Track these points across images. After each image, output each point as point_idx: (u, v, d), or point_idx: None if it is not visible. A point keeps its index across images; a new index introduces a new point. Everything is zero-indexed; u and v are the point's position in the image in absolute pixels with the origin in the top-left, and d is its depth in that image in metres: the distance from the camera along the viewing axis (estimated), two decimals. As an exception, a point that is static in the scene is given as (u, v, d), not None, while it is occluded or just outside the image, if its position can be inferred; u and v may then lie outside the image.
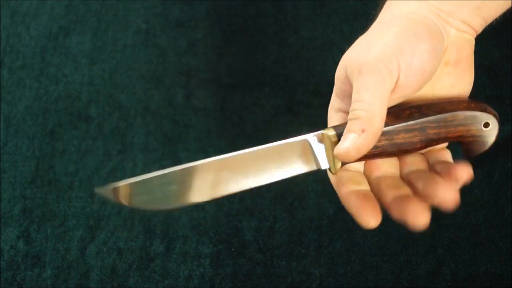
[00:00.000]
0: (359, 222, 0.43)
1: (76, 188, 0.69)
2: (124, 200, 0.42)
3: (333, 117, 0.46)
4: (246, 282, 0.62)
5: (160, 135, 0.73)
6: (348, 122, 0.40)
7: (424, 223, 0.42)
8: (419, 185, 0.42)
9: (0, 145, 0.72)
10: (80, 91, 0.77)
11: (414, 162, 0.45)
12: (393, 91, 0.41)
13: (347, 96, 0.43)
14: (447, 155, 0.45)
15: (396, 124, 0.42)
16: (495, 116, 0.44)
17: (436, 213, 0.67)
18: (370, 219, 0.43)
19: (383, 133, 0.42)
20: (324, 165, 0.44)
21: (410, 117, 0.43)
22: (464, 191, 0.69)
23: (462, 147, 0.45)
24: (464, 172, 0.43)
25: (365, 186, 0.44)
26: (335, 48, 0.78)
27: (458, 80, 0.45)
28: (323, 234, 0.65)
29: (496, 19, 0.45)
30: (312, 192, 0.67)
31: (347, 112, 0.42)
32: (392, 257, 0.63)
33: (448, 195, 0.40)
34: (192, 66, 0.78)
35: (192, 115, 0.74)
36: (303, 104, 0.73)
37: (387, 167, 0.44)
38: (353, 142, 0.40)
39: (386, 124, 0.42)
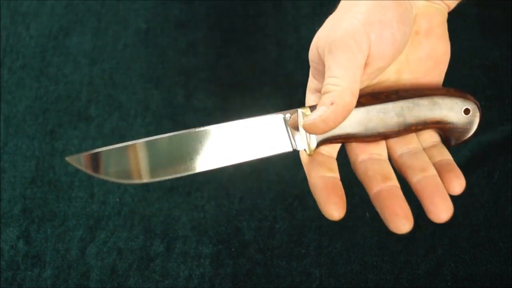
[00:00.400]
0: (323, 212, 0.42)
1: (76, 188, 0.69)
2: (92, 169, 0.41)
3: (310, 98, 0.46)
4: (246, 282, 0.62)
5: (159, 135, 0.72)
6: (322, 97, 0.40)
7: (405, 230, 0.39)
8: (413, 180, 0.42)
9: (0, 145, 0.72)
10: (80, 91, 0.77)
11: (405, 141, 0.44)
12: (366, 64, 0.41)
13: (322, 75, 0.42)
14: (444, 152, 0.44)
15: (372, 105, 0.42)
16: (475, 103, 0.43)
17: (436, 213, 0.67)
18: (334, 211, 0.41)
19: (358, 110, 0.42)
20: (300, 145, 0.43)
21: (387, 99, 0.43)
22: (464, 191, 0.69)
23: (443, 137, 0.45)
24: (457, 185, 0.41)
25: (336, 174, 0.43)
26: (335, 48, 0.78)
27: (432, 49, 0.44)
28: (323, 234, 0.65)
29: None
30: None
31: (320, 90, 0.42)
32: (392, 257, 0.63)
33: (441, 211, 0.39)
34: (192, 66, 0.78)
35: (192, 115, 0.74)
36: (303, 104, 0.73)
37: (373, 147, 0.44)
38: (320, 114, 0.39)
39: (362, 104, 0.42)
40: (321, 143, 0.43)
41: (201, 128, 0.42)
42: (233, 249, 0.64)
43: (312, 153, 0.43)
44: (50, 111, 0.75)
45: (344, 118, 0.40)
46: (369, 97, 0.43)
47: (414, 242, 0.64)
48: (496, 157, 0.69)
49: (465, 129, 0.44)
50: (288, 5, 0.83)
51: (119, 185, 0.69)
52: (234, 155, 0.42)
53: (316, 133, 0.41)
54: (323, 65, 0.42)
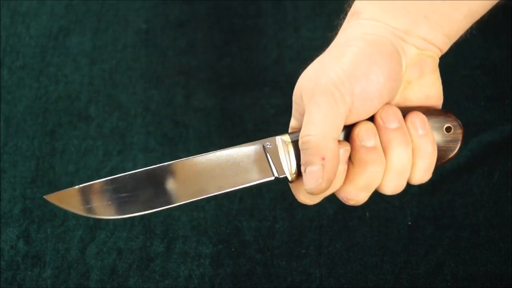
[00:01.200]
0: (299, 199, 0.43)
1: (76, 188, 0.69)
2: (71, 206, 0.40)
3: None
4: (246, 282, 0.62)
5: (160, 135, 0.73)
6: (302, 152, 0.39)
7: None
8: None
9: (0, 145, 0.72)
10: (80, 91, 0.77)
11: None
12: (349, 115, 0.39)
13: (303, 113, 0.41)
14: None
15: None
16: (456, 121, 0.42)
17: (436, 213, 0.67)
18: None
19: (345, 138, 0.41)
20: (280, 173, 0.42)
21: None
22: (464, 191, 0.70)
23: None
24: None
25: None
26: (335, 48, 0.78)
27: (425, 95, 0.43)
28: (323, 234, 0.65)
29: (462, 36, 0.43)
30: (312, 192, 0.67)
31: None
32: (392, 257, 0.63)
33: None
34: (192, 66, 0.78)
35: (192, 115, 0.74)
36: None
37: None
38: (320, 175, 0.38)
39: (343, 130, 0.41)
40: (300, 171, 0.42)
41: (181, 160, 0.41)
42: (233, 249, 0.64)
43: (294, 179, 0.42)
44: (50, 111, 0.75)
45: (333, 173, 0.39)
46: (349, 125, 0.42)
47: (414, 242, 0.64)
48: (496, 157, 0.69)
49: (448, 148, 0.42)
50: (288, 5, 0.83)
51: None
52: (214, 186, 0.41)
53: (322, 193, 0.40)
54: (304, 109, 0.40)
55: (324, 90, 0.38)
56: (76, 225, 0.66)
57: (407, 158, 0.40)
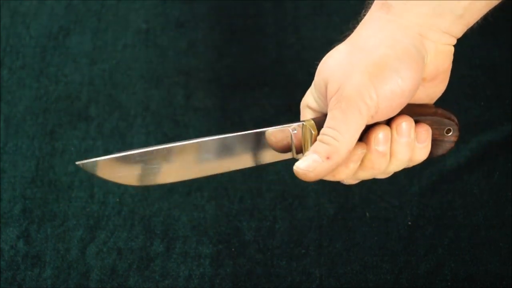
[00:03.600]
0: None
1: (76, 188, 0.69)
2: (104, 174, 0.44)
3: (306, 113, 0.47)
4: (246, 282, 0.62)
5: (160, 135, 0.73)
6: (317, 143, 0.42)
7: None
8: None
9: (0, 145, 0.72)
10: (80, 91, 0.77)
11: None
12: (373, 117, 0.42)
13: (323, 101, 0.44)
14: None
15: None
16: (456, 124, 0.46)
17: (436, 213, 0.67)
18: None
19: None
20: (299, 153, 0.45)
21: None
22: (464, 191, 0.70)
23: None
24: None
25: None
26: (335, 48, 0.78)
27: (432, 91, 0.45)
28: (323, 234, 0.65)
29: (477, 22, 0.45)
30: (312, 192, 0.67)
31: (318, 111, 0.45)
32: (392, 257, 0.63)
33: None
34: (192, 66, 0.78)
35: (192, 115, 0.74)
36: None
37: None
38: (314, 166, 0.42)
39: None
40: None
41: (220, 136, 0.46)
42: (233, 249, 0.64)
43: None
44: (50, 111, 0.75)
45: (329, 173, 0.43)
46: None
47: (414, 242, 0.64)
48: (496, 157, 0.69)
49: (444, 146, 0.47)
50: (288, 5, 0.83)
51: (119, 185, 0.69)
52: (243, 161, 0.46)
53: (305, 180, 0.43)
54: (326, 97, 0.43)
55: (351, 102, 0.41)
56: (76, 225, 0.66)
57: (407, 160, 0.44)
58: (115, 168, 0.45)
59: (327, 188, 0.67)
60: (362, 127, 0.42)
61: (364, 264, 0.63)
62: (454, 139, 0.46)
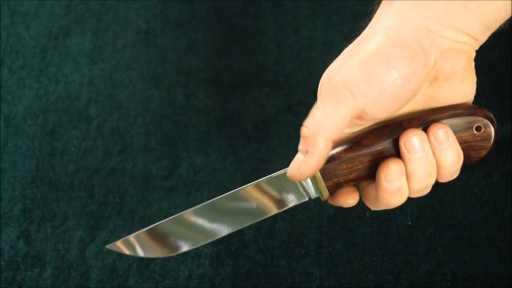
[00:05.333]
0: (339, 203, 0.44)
1: (76, 188, 0.69)
2: (135, 251, 0.44)
3: None
4: (246, 282, 0.62)
5: (160, 135, 0.73)
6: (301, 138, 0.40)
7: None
8: None
9: (0, 145, 0.72)
10: (80, 91, 0.77)
11: None
12: (361, 117, 0.39)
13: None
14: None
15: (375, 145, 0.40)
16: (487, 117, 0.40)
17: (436, 213, 0.67)
18: (349, 200, 0.43)
19: (365, 154, 0.41)
20: (313, 194, 0.44)
21: (391, 134, 0.40)
22: (464, 191, 0.70)
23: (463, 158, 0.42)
24: None
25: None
26: (335, 48, 0.78)
27: (453, 95, 0.41)
28: (323, 234, 0.65)
29: (501, 26, 0.41)
30: (312, 192, 0.67)
31: None
32: (392, 257, 0.63)
33: None
34: (192, 66, 0.78)
35: (192, 115, 0.74)
36: (303, 104, 0.73)
37: None
38: (298, 164, 0.40)
39: (365, 146, 0.41)
40: (333, 191, 0.43)
41: (218, 198, 0.44)
42: (233, 249, 0.64)
43: (327, 198, 0.44)
44: (50, 111, 0.75)
45: (320, 165, 0.40)
46: (372, 136, 0.41)
47: (414, 242, 0.64)
48: (496, 157, 0.69)
49: (481, 146, 0.41)
50: (288, 5, 0.83)
51: (119, 185, 0.69)
52: (251, 216, 0.44)
53: (298, 181, 0.42)
54: None
55: (334, 89, 0.38)
56: (76, 225, 0.66)
57: (430, 173, 0.41)
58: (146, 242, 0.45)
59: (327, 188, 0.67)
60: (346, 117, 0.38)
61: (364, 264, 0.63)
62: (489, 134, 0.40)
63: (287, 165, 0.71)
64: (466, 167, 0.70)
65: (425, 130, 0.40)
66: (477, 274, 0.62)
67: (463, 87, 0.41)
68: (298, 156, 0.40)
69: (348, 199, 0.44)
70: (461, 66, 0.40)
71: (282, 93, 0.75)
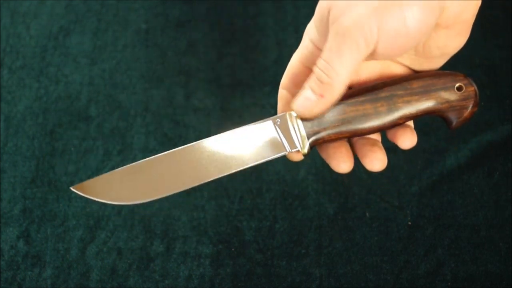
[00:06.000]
0: (332, 166, 0.43)
1: (76, 188, 0.69)
2: (94, 195, 0.44)
3: (305, 41, 0.45)
4: (246, 282, 0.62)
5: (160, 135, 0.73)
6: (312, 77, 0.40)
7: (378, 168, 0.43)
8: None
9: (0, 145, 0.72)
10: (80, 91, 0.77)
11: None
12: (372, 56, 0.40)
13: (324, 29, 0.41)
14: None
15: (361, 96, 0.42)
16: (467, 79, 0.42)
17: (436, 213, 0.67)
18: (341, 163, 0.43)
19: (347, 104, 0.42)
20: (292, 147, 0.43)
21: (373, 88, 0.42)
22: (464, 191, 0.69)
23: (444, 120, 0.44)
24: (407, 140, 0.43)
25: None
26: (335, 48, 0.78)
27: (446, 43, 0.42)
28: (323, 234, 0.65)
29: None
30: (312, 192, 0.67)
31: (316, 45, 0.43)
32: (392, 257, 0.63)
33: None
34: (192, 66, 0.78)
35: (192, 115, 0.74)
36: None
37: None
38: (309, 105, 0.40)
39: (351, 96, 0.42)
40: (313, 144, 0.43)
41: (194, 143, 0.43)
42: (233, 249, 0.64)
43: (306, 154, 0.43)
44: (50, 111, 0.75)
45: (329, 108, 0.41)
46: (355, 90, 0.43)
47: (414, 242, 0.64)
48: (496, 157, 0.69)
49: (462, 106, 0.43)
50: (288, 5, 0.83)
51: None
52: (229, 165, 0.43)
53: (301, 116, 0.42)
54: (326, 25, 0.41)
55: (347, 33, 0.38)
56: (76, 225, 0.66)
57: None
58: (108, 185, 0.43)
59: (327, 188, 0.67)
60: (359, 63, 0.39)
61: (364, 264, 0.63)
62: (470, 94, 0.42)
63: (287, 165, 0.71)
64: (466, 168, 0.70)
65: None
66: (477, 274, 0.62)
67: (457, 39, 0.41)
68: (311, 96, 0.40)
69: (340, 162, 0.44)
70: (465, 17, 0.40)
71: (282, 93, 0.75)
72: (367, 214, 0.66)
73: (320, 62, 0.40)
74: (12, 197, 0.68)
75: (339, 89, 0.40)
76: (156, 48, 0.80)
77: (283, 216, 0.66)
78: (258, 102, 0.75)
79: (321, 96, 0.40)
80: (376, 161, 0.43)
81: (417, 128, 0.45)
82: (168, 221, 0.66)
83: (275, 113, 0.74)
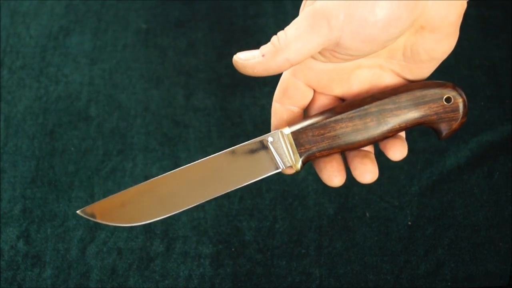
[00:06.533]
0: (323, 180, 0.43)
1: (76, 188, 0.69)
2: (102, 218, 0.43)
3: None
4: (246, 282, 0.62)
5: (160, 135, 0.73)
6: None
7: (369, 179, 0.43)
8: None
9: (0, 145, 0.72)
10: (80, 91, 0.77)
11: None
12: (335, 50, 0.39)
13: None
14: None
15: (347, 111, 0.42)
16: (455, 90, 0.42)
17: (436, 213, 0.67)
18: (333, 178, 0.43)
19: (336, 121, 0.42)
20: (286, 164, 0.43)
21: (362, 103, 0.42)
22: (464, 191, 0.69)
23: (434, 130, 0.44)
24: (398, 152, 0.43)
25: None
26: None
27: (433, 47, 0.41)
28: (323, 234, 0.65)
29: None
30: (312, 192, 0.67)
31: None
32: (392, 257, 0.63)
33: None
34: (192, 66, 0.78)
35: (192, 115, 0.74)
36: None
37: None
38: (247, 58, 0.40)
39: (338, 113, 0.42)
40: (305, 160, 0.44)
41: (188, 165, 0.43)
42: (233, 249, 0.64)
43: (299, 170, 0.44)
44: (50, 111, 0.75)
45: (266, 75, 0.40)
46: (345, 105, 0.43)
47: (414, 242, 0.64)
48: (496, 157, 0.69)
49: (452, 118, 0.43)
50: (288, 5, 0.83)
51: (119, 185, 0.69)
52: (222, 186, 0.43)
53: (240, 71, 0.42)
54: None
55: (313, 13, 0.38)
56: (76, 225, 0.66)
57: None
58: (115, 210, 0.43)
59: (327, 188, 0.67)
60: (316, 46, 0.38)
61: (364, 264, 0.63)
62: (458, 105, 0.42)
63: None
64: (466, 168, 0.70)
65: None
66: (477, 274, 0.62)
67: (445, 43, 0.40)
68: (255, 52, 0.40)
69: (332, 177, 0.44)
70: (451, 20, 0.39)
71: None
72: (367, 214, 0.66)
73: (280, 31, 0.39)
74: (12, 197, 0.68)
75: (281, 60, 0.39)
76: (156, 48, 0.80)
77: (283, 216, 0.66)
78: (258, 102, 0.75)
79: (263, 56, 0.39)
80: (366, 173, 0.43)
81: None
82: (168, 221, 0.66)
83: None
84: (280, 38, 0.39)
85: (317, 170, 0.45)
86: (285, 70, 0.40)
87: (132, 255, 0.64)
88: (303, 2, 0.41)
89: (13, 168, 0.70)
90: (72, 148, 0.72)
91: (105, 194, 0.68)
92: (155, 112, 0.74)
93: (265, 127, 0.73)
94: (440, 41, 0.40)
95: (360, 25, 0.37)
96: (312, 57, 0.42)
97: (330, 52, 0.40)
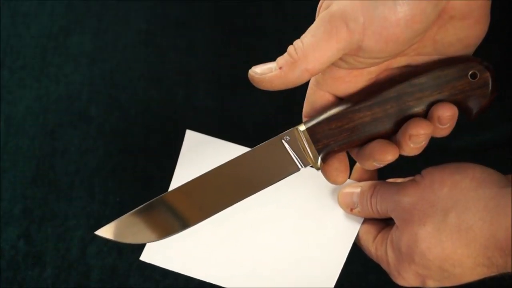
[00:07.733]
0: (327, 178, 0.42)
1: (76, 188, 0.69)
2: (118, 237, 0.42)
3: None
4: (246, 282, 0.62)
5: (160, 135, 0.73)
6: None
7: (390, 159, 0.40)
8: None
9: (1, 145, 0.72)
10: (81, 91, 0.77)
11: None
12: (358, 54, 0.37)
13: None
14: None
15: (364, 101, 0.39)
16: (480, 63, 0.38)
17: (436, 213, 0.67)
18: (339, 176, 0.41)
19: (354, 111, 0.39)
20: (305, 163, 0.41)
21: (381, 89, 0.39)
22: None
23: (463, 111, 0.41)
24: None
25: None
26: (335, 48, 0.78)
27: (466, 34, 0.38)
28: (323, 234, 0.65)
29: None
30: (312, 192, 0.67)
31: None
32: (392, 257, 0.63)
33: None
34: (192, 66, 0.78)
35: (192, 115, 0.74)
36: (303, 104, 0.73)
37: None
38: (264, 72, 0.38)
39: (355, 103, 0.39)
40: (325, 157, 0.41)
41: (205, 172, 0.41)
42: (233, 249, 0.64)
43: (320, 167, 0.41)
44: (51, 111, 0.75)
45: (284, 88, 0.38)
46: (362, 92, 0.40)
47: (414, 242, 0.64)
48: (496, 157, 0.69)
49: (480, 95, 0.39)
50: (288, 5, 0.83)
51: (119, 185, 0.69)
52: (242, 192, 0.41)
53: (257, 86, 0.40)
54: None
55: (329, 18, 0.36)
56: (76, 224, 0.66)
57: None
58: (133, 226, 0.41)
59: (327, 188, 0.67)
60: (336, 53, 0.36)
61: (364, 264, 0.63)
62: (486, 81, 0.39)
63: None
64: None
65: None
66: (477, 273, 0.62)
67: (477, 28, 0.38)
68: (271, 65, 0.38)
69: (339, 174, 0.42)
70: (479, 3, 0.37)
71: (282, 93, 0.75)
72: (367, 214, 0.66)
73: (298, 40, 0.37)
74: (12, 196, 0.68)
75: (300, 72, 0.37)
76: (156, 48, 0.80)
77: (283, 216, 0.66)
78: (258, 102, 0.75)
79: (280, 68, 0.37)
80: (387, 153, 0.40)
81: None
82: (168, 221, 0.66)
83: (275, 113, 0.74)
84: (297, 47, 0.37)
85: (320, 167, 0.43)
86: (305, 81, 0.38)
87: (133, 254, 0.64)
88: (319, 4, 0.39)
89: (14, 168, 0.70)
90: (72, 148, 0.72)
91: (105, 194, 0.68)
92: (155, 112, 0.74)
93: (265, 127, 0.72)
94: (472, 27, 0.38)
95: (381, 26, 0.35)
96: (335, 64, 0.39)
97: (353, 57, 0.38)
